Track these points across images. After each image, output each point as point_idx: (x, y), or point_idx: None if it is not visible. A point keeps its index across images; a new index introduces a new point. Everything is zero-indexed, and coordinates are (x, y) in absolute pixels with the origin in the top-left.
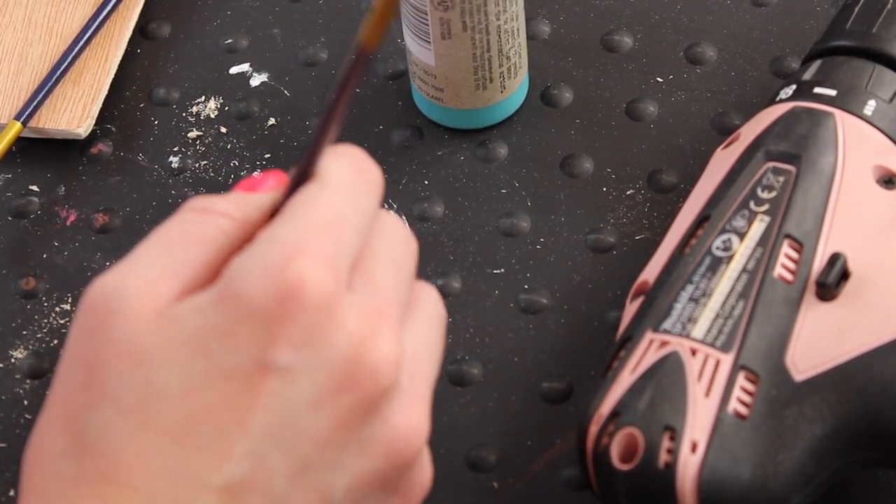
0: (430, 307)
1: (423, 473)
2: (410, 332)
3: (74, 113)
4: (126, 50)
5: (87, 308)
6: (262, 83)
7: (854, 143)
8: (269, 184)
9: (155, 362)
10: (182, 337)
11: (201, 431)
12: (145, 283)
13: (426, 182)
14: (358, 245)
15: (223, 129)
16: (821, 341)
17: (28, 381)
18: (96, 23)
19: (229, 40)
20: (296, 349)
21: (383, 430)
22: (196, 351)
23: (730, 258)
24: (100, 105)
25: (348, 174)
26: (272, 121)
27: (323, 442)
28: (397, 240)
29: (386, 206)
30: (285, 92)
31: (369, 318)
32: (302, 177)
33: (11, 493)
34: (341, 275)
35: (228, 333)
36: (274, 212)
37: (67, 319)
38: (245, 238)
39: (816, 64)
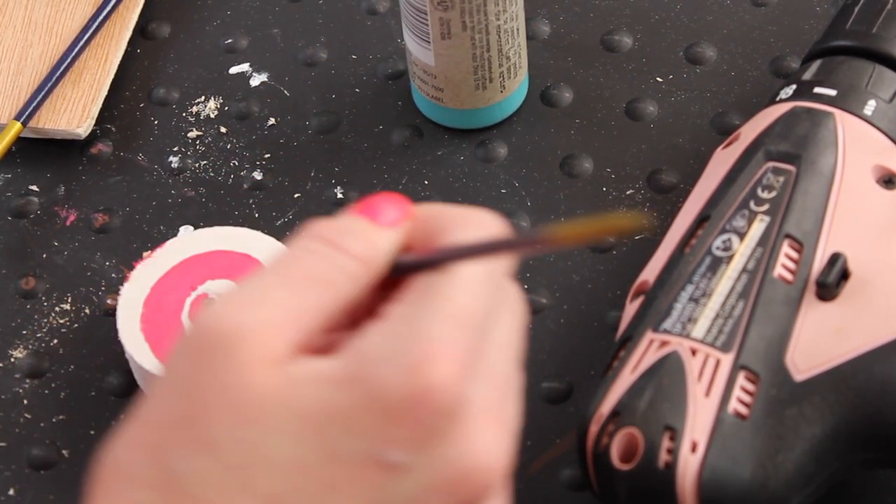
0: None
1: None
2: None
3: (74, 113)
4: (126, 50)
5: (199, 338)
6: (262, 83)
7: (854, 142)
8: (391, 215)
9: (268, 426)
10: (301, 409)
11: None
12: (266, 327)
13: (426, 182)
14: (488, 335)
15: (223, 129)
16: (821, 341)
17: (28, 380)
18: (96, 23)
19: (229, 40)
20: (413, 450)
21: None
22: (313, 428)
23: (730, 258)
24: (100, 105)
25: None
26: (272, 121)
27: None
28: (517, 322)
29: None
30: (285, 92)
31: (488, 426)
32: (434, 262)
33: (11, 491)
34: (472, 373)
35: (350, 419)
36: (398, 267)
37: (67, 319)
38: (368, 287)
39: (816, 64)
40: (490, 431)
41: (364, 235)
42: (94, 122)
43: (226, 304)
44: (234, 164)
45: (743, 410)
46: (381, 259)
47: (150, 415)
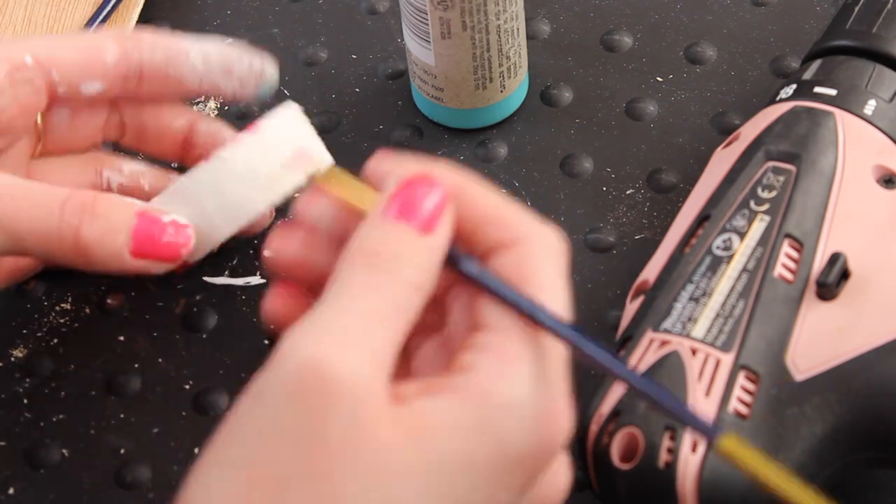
0: None
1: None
2: None
3: None
4: None
5: (298, 382)
6: None
7: (854, 142)
8: (429, 208)
9: (397, 480)
10: (429, 460)
11: None
12: (364, 370)
13: None
14: None
15: None
16: (821, 341)
17: (28, 379)
18: (96, 22)
19: (229, 40)
20: (521, 492)
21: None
22: (441, 478)
23: (730, 258)
24: None
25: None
26: None
27: None
28: None
29: None
30: (285, 92)
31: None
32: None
33: (11, 490)
34: None
35: (477, 469)
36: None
37: (67, 318)
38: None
39: (816, 63)
40: (565, 465)
41: (416, 259)
42: None
43: (315, 344)
44: None
45: (743, 410)
46: (434, 274)
47: (258, 460)
